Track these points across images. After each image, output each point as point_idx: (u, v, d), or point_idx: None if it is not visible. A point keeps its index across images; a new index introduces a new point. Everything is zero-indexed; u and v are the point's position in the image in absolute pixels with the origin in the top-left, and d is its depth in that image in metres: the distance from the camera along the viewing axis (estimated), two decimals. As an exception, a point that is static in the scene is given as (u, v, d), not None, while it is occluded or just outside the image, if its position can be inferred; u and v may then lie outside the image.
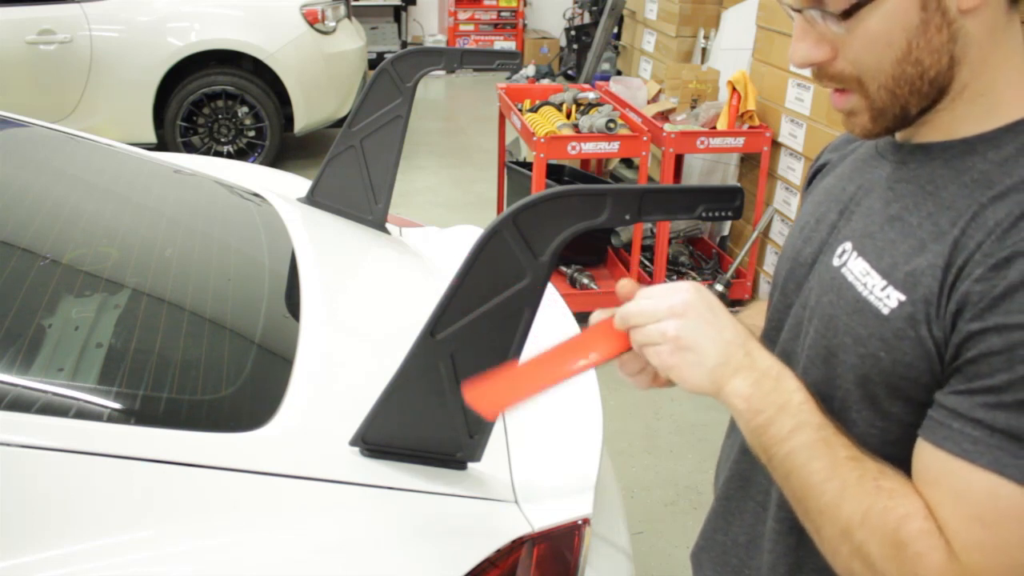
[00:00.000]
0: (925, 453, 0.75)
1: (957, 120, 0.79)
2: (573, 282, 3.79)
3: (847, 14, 0.76)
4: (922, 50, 0.75)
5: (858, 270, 0.82)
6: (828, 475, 0.75)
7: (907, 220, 0.80)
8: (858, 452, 0.77)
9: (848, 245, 0.85)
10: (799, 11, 0.79)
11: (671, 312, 0.81)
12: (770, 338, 0.97)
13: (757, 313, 1.11)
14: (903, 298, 0.77)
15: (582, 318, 1.75)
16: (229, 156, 5.11)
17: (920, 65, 0.76)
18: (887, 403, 0.80)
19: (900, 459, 0.78)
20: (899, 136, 0.86)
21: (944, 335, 0.74)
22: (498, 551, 1.07)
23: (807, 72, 0.85)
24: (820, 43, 0.79)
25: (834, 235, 0.89)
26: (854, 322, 0.81)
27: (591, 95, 3.89)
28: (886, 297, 0.78)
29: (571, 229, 0.95)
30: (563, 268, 3.84)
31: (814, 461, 0.76)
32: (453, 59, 1.98)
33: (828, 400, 0.84)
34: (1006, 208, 0.72)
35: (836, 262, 0.86)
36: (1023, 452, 0.68)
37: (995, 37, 0.76)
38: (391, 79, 1.94)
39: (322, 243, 1.80)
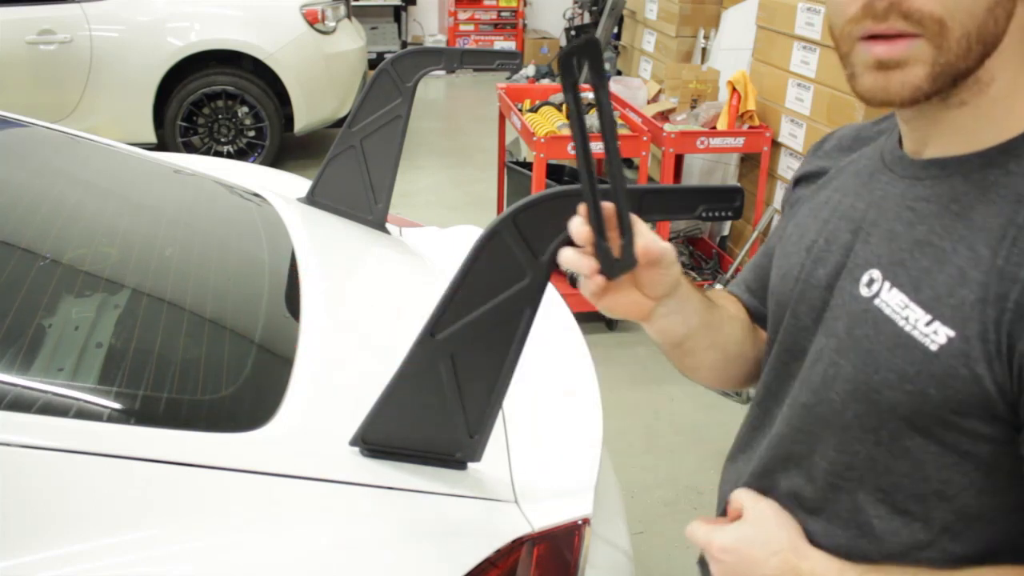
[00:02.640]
0: None
1: (978, 125, 0.76)
2: (573, 282, 3.79)
3: None
4: (1002, 7, 0.70)
5: (895, 303, 0.77)
6: None
7: (938, 245, 0.76)
8: None
9: (876, 273, 0.80)
10: None
11: (715, 558, 0.88)
12: (784, 360, 0.93)
13: (724, 298, 1.07)
14: (952, 334, 0.72)
15: (582, 318, 1.75)
16: (229, 156, 5.10)
17: (997, 25, 0.71)
18: (939, 432, 0.76)
19: (959, 483, 0.76)
20: (908, 149, 0.82)
21: (1009, 375, 0.70)
22: (498, 551, 1.07)
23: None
24: None
25: (853, 259, 0.84)
26: (897, 358, 0.76)
27: (591, 95, 3.88)
28: (933, 333, 0.74)
29: (571, 229, 0.95)
30: (563, 268, 3.84)
31: None
32: (453, 59, 1.99)
33: (875, 432, 0.81)
34: None
35: (865, 292, 0.81)
36: None
37: (1022, 35, 0.73)
38: (391, 79, 1.94)
39: (322, 243, 1.80)
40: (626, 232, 0.80)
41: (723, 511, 1.03)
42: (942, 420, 0.75)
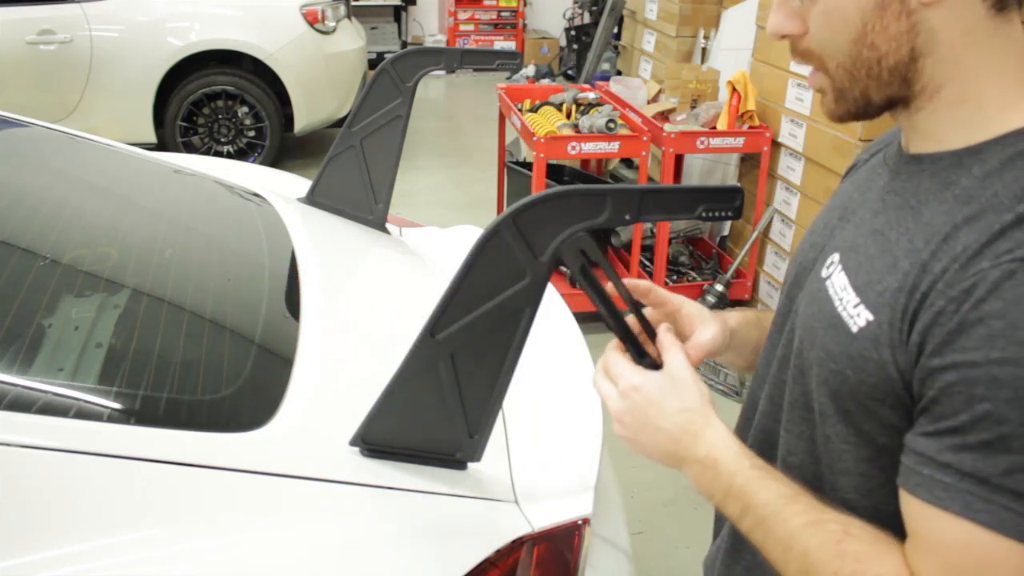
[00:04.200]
0: (904, 502, 0.73)
1: (944, 127, 0.77)
2: (573, 282, 3.79)
3: None
4: (878, 35, 0.74)
5: (838, 285, 0.81)
6: (786, 549, 0.77)
7: (887, 235, 0.78)
8: (818, 514, 0.77)
9: (836, 256, 0.84)
10: None
11: (623, 392, 0.89)
12: (773, 342, 0.96)
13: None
14: (871, 318, 0.75)
15: (582, 318, 1.75)
16: (229, 156, 5.10)
17: (876, 50, 0.75)
18: (859, 420, 0.78)
19: (877, 478, 0.78)
20: (902, 144, 0.84)
21: (907, 363, 0.72)
22: (498, 551, 1.07)
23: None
24: (792, 16, 0.79)
25: (830, 242, 0.88)
26: (828, 337, 0.80)
27: (591, 95, 3.89)
28: (857, 315, 0.77)
29: (571, 229, 0.95)
30: (563, 268, 3.83)
31: (769, 537, 0.79)
32: (453, 59, 1.99)
33: (808, 411, 0.84)
34: (976, 233, 0.70)
35: (824, 273, 0.85)
36: (994, 496, 0.65)
37: (971, 38, 0.73)
38: (391, 79, 1.94)
39: (322, 243, 1.80)
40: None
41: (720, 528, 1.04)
42: (860, 405, 0.77)
